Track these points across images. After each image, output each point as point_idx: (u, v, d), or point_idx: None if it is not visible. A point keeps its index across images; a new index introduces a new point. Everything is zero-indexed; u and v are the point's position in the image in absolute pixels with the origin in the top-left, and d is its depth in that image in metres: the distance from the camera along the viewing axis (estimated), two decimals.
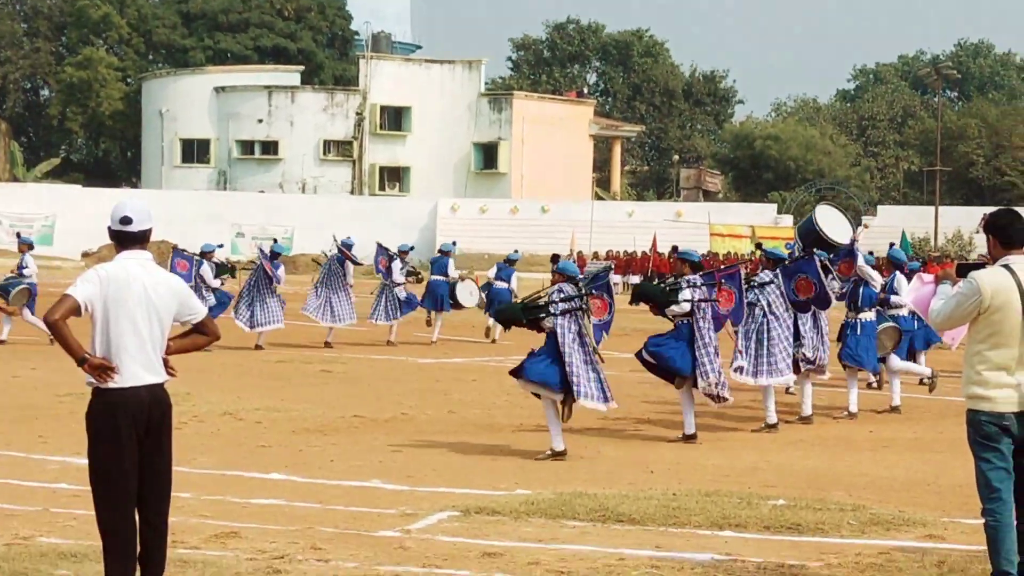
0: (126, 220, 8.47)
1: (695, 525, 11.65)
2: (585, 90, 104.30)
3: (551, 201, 78.41)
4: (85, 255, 68.90)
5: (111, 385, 8.31)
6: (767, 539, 11.23)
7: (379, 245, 31.13)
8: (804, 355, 18.39)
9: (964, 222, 71.84)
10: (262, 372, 23.63)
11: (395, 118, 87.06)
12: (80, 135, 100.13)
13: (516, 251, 36.72)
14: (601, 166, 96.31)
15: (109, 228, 8.50)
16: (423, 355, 27.92)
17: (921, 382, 22.03)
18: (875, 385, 22.39)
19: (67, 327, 8.25)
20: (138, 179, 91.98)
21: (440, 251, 32.02)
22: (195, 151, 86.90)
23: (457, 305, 30.82)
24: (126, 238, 8.51)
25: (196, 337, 8.77)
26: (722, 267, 18.95)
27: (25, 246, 29.35)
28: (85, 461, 8.49)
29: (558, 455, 15.27)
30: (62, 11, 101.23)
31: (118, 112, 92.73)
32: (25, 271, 28.33)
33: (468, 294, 31.01)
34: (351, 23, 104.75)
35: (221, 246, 30.93)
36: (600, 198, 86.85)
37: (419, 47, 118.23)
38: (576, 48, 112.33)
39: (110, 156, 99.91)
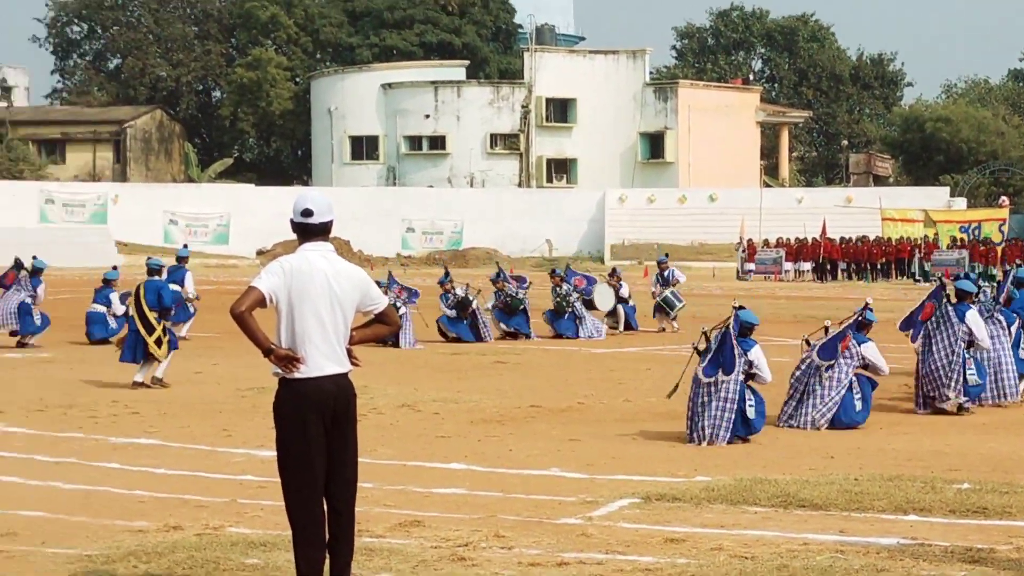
0: (307, 212, 8.59)
1: (878, 510, 11.54)
2: (751, 77, 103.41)
3: (719, 189, 77.91)
4: (260, 253, 69.95)
5: (297, 375, 8.44)
6: (953, 523, 11.09)
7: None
8: None
9: None
10: (438, 365, 23.81)
11: (561, 110, 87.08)
12: (252, 135, 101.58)
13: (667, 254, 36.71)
14: (768, 153, 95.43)
15: (291, 220, 8.62)
16: (597, 345, 27.91)
17: None
18: None
19: (253, 319, 8.39)
20: (309, 177, 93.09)
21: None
22: (364, 148, 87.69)
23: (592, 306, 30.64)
24: (308, 230, 8.63)
25: (378, 327, 8.87)
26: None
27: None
28: (269, 454, 8.64)
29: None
30: (231, 13, 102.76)
31: (288, 111, 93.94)
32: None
33: (604, 298, 30.95)
34: (515, 16, 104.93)
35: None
36: (768, 185, 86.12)
37: (583, 38, 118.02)
38: (741, 35, 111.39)
39: (281, 155, 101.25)
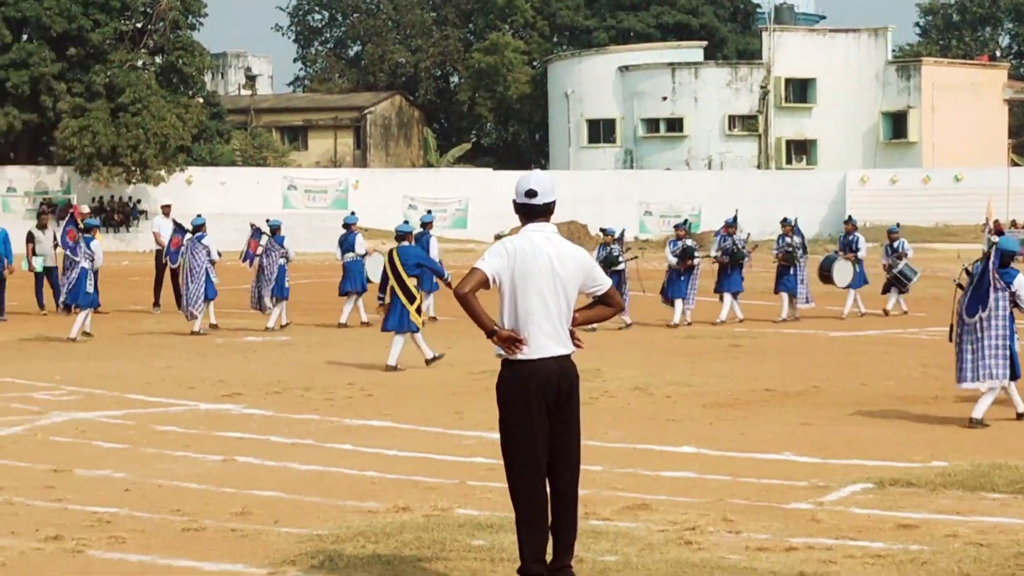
0: (531, 193, 8.56)
1: None
2: (997, 53, 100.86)
3: (964, 169, 76.18)
4: (498, 237, 70.44)
5: (520, 357, 8.41)
6: None
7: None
8: None
9: None
10: (671, 348, 23.67)
11: (800, 90, 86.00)
12: (489, 119, 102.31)
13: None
14: (1017, 131, 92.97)
15: (514, 202, 8.59)
16: (834, 328, 27.47)
17: None
18: None
19: (476, 300, 8.39)
20: (546, 161, 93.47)
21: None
22: (601, 131, 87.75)
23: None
24: (531, 211, 8.60)
25: (601, 308, 8.81)
26: None
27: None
28: (498, 436, 8.63)
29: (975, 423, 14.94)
30: None
31: (525, 95, 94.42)
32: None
33: (843, 274, 29.69)
34: None
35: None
36: (1016, 164, 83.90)
37: (823, 17, 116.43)
38: (987, 10, 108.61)
39: (519, 139, 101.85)
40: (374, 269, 27.43)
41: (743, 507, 10.94)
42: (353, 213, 30.98)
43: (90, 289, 25.66)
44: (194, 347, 24.06)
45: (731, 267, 28.60)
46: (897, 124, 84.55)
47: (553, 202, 8.65)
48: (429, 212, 31.66)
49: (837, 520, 10.48)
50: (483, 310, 8.39)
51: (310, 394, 17.86)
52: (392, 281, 20.83)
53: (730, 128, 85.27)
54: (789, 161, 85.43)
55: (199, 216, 28.37)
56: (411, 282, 20.81)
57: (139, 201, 72.38)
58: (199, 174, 75.51)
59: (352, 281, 28.22)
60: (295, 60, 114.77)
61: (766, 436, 14.46)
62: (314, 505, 11.16)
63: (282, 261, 27.29)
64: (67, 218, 27.17)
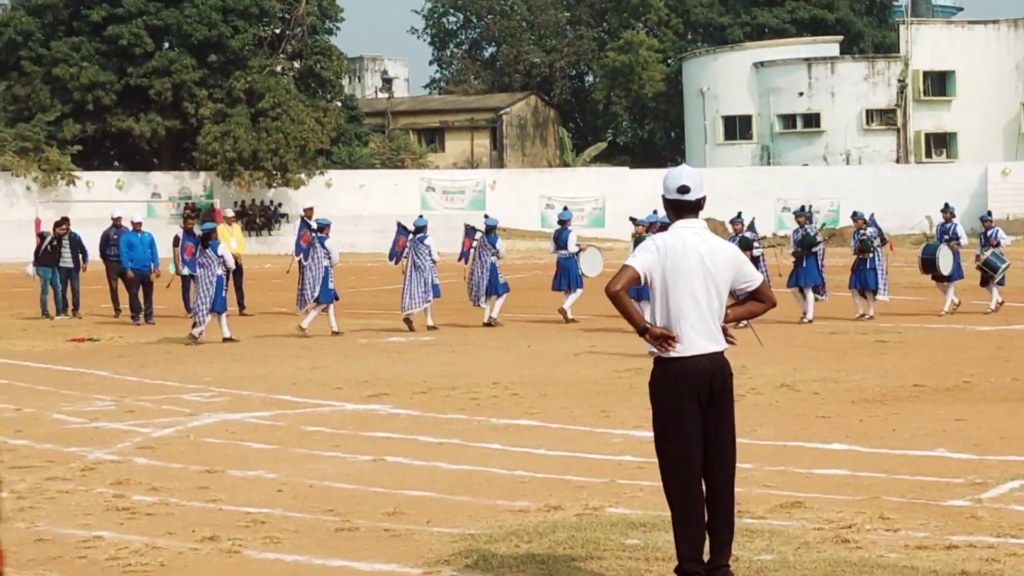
0: (684, 189, 8.48)
1: None
2: None
3: None
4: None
5: (672, 354, 8.35)
6: None
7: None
8: None
9: None
10: (816, 344, 23.42)
11: (939, 83, 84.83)
12: (625, 118, 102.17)
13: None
14: None
15: (663, 198, 8.52)
16: (982, 322, 27.03)
17: None
18: None
19: (628, 298, 8.35)
20: (682, 158, 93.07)
21: None
22: (737, 128, 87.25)
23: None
24: (683, 207, 8.53)
25: (753, 304, 8.72)
26: None
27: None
28: (647, 434, 8.59)
29: None
30: None
31: (660, 93, 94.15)
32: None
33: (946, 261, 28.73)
34: None
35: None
36: None
37: (960, 8, 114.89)
38: None
39: (654, 137, 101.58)
40: (590, 265, 27.77)
41: (899, 504, 10.78)
42: (487, 216, 31.09)
43: (331, 285, 26.60)
44: (338, 348, 24.24)
45: (805, 259, 28.07)
46: None
47: (704, 198, 8.57)
48: (566, 209, 31.59)
49: (997, 517, 10.28)
50: (635, 308, 8.34)
51: (455, 393, 17.90)
52: None
53: (868, 122, 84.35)
54: (928, 155, 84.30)
55: (421, 217, 28.89)
56: None
57: (280, 204, 73.19)
58: (338, 177, 76.16)
59: (562, 279, 28.59)
60: (431, 62, 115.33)
61: (918, 432, 14.25)
62: (465, 504, 11.17)
63: (494, 259, 27.65)
64: (299, 223, 27.87)
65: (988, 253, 29.09)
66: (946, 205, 29.64)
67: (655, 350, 8.43)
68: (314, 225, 27.14)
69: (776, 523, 10.24)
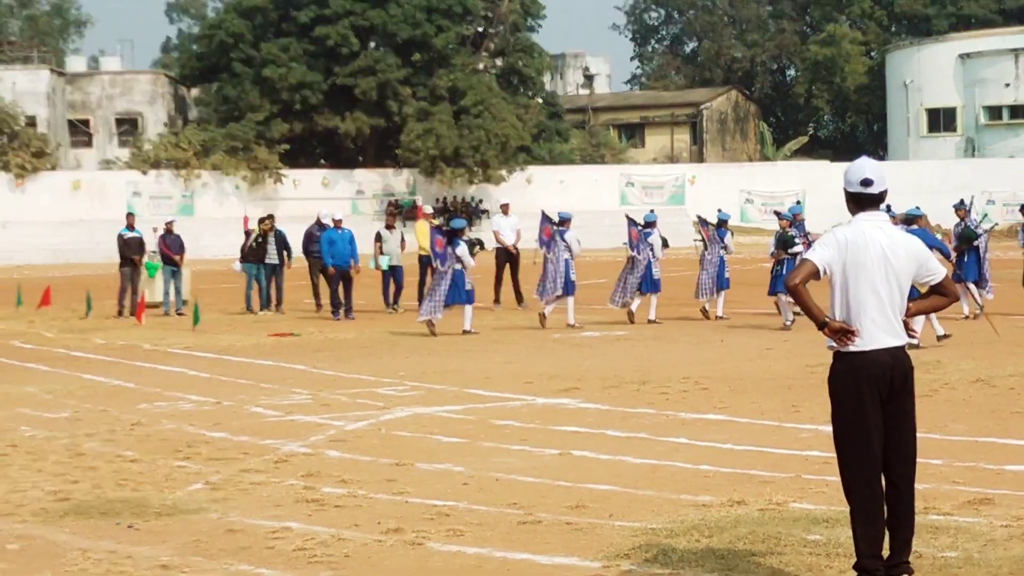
0: (867, 182, 8.41)
1: None
2: None
3: None
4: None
5: (852, 348, 8.29)
6: None
7: None
8: None
9: None
10: (1014, 339, 22.93)
11: None
12: (826, 111, 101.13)
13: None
14: None
15: (845, 190, 8.47)
16: None
17: None
18: None
19: (808, 291, 8.30)
20: (884, 151, 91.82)
21: None
22: (941, 120, 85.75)
23: None
24: (865, 200, 8.45)
25: (936, 298, 8.61)
26: None
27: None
28: (832, 430, 8.53)
29: None
30: None
31: (863, 86, 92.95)
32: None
33: None
34: None
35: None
36: None
37: None
38: None
39: (856, 130, 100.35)
40: None
41: None
42: (649, 213, 30.95)
43: (573, 277, 27.22)
44: (531, 343, 24.40)
45: (966, 253, 27.35)
46: None
47: (886, 191, 8.49)
48: (652, 212, 30.69)
49: None
50: (814, 301, 8.30)
51: (645, 388, 17.92)
52: None
53: None
54: None
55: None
56: None
57: (481, 201, 73.80)
58: (539, 173, 76.54)
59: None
60: (632, 58, 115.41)
61: None
62: (648, 499, 11.19)
63: (566, 255, 27.49)
64: (540, 217, 28.22)
65: None
66: (960, 201, 28.65)
67: (835, 344, 8.38)
68: (555, 219, 27.49)
69: (963, 520, 10.10)
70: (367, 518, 10.72)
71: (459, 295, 26.03)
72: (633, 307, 27.62)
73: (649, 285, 27.66)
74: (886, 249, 8.34)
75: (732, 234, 29.29)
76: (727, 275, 28.41)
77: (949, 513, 10.32)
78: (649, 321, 27.48)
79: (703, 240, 28.64)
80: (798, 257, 25.57)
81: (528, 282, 30.83)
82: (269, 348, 24.52)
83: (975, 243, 27.27)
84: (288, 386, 18.92)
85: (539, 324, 26.86)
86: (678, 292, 32.31)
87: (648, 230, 27.75)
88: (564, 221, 27.49)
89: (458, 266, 26.04)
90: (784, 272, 25.85)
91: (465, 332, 25.94)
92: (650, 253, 27.51)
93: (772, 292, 26.71)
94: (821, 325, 8.32)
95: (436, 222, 27.28)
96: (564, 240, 27.06)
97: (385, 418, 15.87)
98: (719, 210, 29.67)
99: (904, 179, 64.99)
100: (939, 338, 22.18)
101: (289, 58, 74.08)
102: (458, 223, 27.44)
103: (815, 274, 8.32)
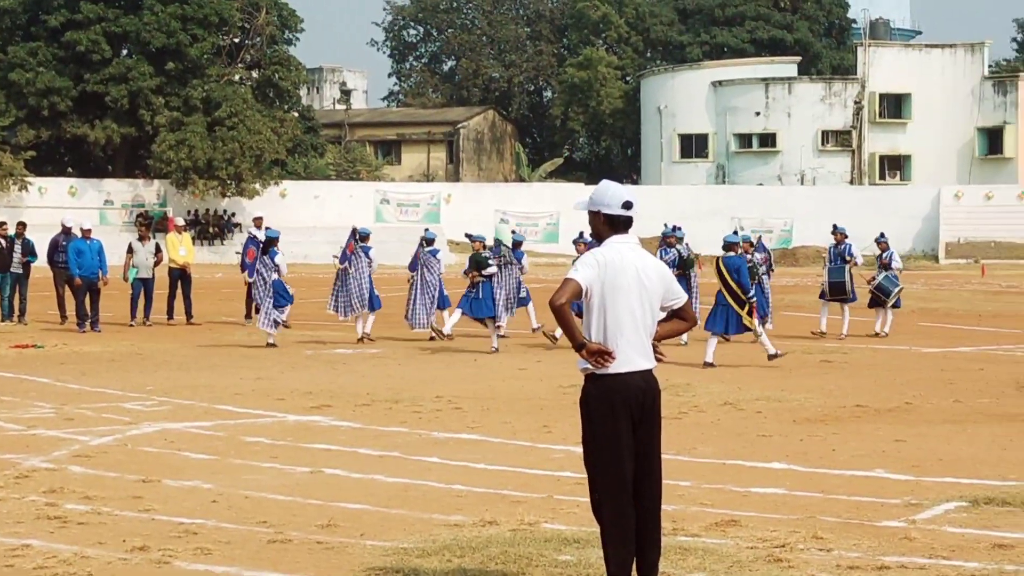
0: (628, 205, 8.45)
1: None
2: None
3: None
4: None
5: (608, 371, 8.31)
6: None
7: None
8: None
9: None
10: (762, 362, 23.43)
11: (895, 105, 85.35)
12: (582, 134, 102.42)
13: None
14: None
15: (601, 213, 8.45)
16: (927, 344, 27.15)
17: None
18: None
19: (571, 312, 8.28)
20: (638, 175, 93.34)
21: None
22: (693, 146, 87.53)
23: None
24: (622, 223, 8.49)
25: (677, 323, 8.69)
26: None
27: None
28: (584, 451, 8.55)
29: None
30: (563, 14, 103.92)
31: (618, 110, 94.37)
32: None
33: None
34: (848, 11, 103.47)
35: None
36: None
37: (919, 32, 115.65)
38: None
39: (611, 154, 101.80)
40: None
41: (834, 524, 10.77)
42: (428, 229, 31.10)
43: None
44: (283, 359, 24.16)
45: (679, 280, 27.90)
46: (993, 140, 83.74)
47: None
48: (515, 231, 31.36)
49: (930, 539, 10.29)
50: (576, 323, 8.30)
51: (398, 406, 17.84)
52: (721, 286, 23.20)
53: (823, 143, 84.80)
54: (883, 177, 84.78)
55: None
56: (738, 288, 23.04)
57: (234, 214, 73.01)
58: (293, 188, 76.08)
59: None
60: (390, 75, 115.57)
61: (858, 452, 14.27)
62: (400, 518, 11.11)
63: (368, 271, 27.53)
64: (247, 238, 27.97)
65: (882, 276, 29.16)
66: (834, 227, 29.59)
67: (588, 366, 8.38)
68: (261, 236, 27.27)
69: (710, 541, 10.21)
70: (112, 535, 10.44)
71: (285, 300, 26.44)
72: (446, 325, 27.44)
73: (372, 304, 27.57)
74: (640, 272, 8.40)
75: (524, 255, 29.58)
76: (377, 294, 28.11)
77: (697, 534, 10.43)
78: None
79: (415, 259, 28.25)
80: (495, 278, 26.27)
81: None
82: (11, 360, 23.83)
83: (690, 271, 27.59)
84: (30, 399, 18.40)
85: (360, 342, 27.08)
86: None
87: (364, 244, 27.74)
88: (517, 244, 28.46)
89: (275, 275, 26.02)
90: (479, 295, 26.44)
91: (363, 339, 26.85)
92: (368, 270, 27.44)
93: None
94: (579, 346, 8.31)
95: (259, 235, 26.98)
96: (368, 256, 27.17)
97: (131, 433, 15.51)
98: (513, 232, 29.80)
99: (656, 203, 66.10)
100: (771, 357, 22.73)
101: (37, 63, 72.36)
102: (272, 233, 27.27)
103: (579, 294, 8.32)
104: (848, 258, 28.70)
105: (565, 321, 8.25)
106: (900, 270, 30.01)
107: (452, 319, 27.09)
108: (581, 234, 27.75)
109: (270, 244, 26.67)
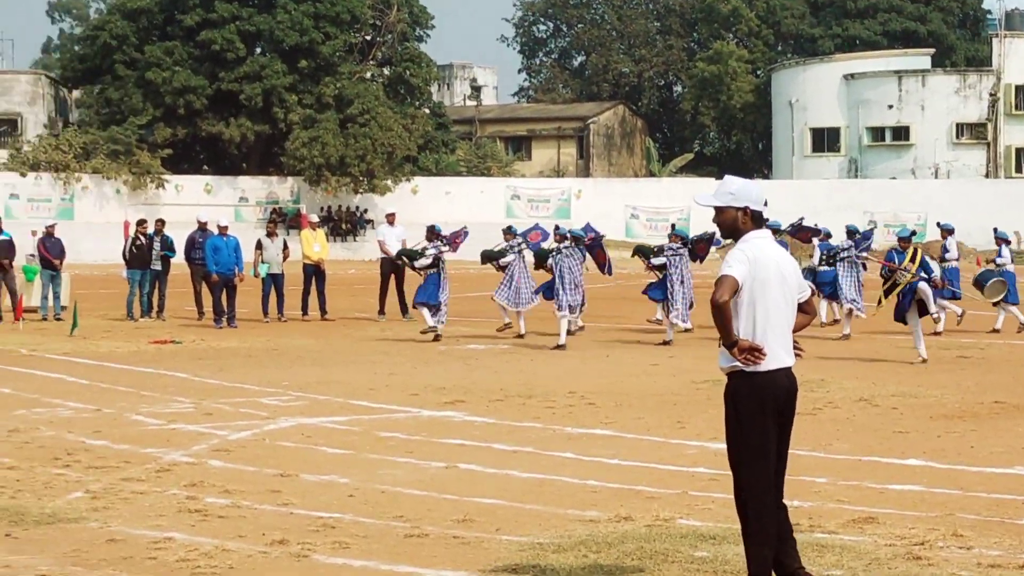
0: (766, 201, 8.42)
1: None
2: None
3: None
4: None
5: (758, 368, 8.20)
6: None
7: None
8: None
9: None
10: (896, 358, 23.17)
11: None
12: (712, 129, 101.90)
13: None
14: None
15: (748, 208, 8.36)
16: None
17: None
18: None
19: (731, 309, 8.17)
20: (769, 170, 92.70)
21: None
22: (825, 140, 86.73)
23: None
24: (761, 218, 8.45)
25: (801, 316, 8.59)
26: None
27: (946, 232, 30.13)
28: (722, 446, 8.50)
29: None
30: (693, 8, 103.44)
31: (749, 104, 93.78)
32: (948, 255, 29.17)
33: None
34: (983, 2, 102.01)
35: None
36: None
37: None
38: None
39: (742, 148, 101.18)
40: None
41: (974, 522, 10.64)
42: (535, 225, 31.17)
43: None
44: (417, 354, 24.30)
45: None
46: None
47: None
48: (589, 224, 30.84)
49: None
50: (732, 321, 8.20)
51: (532, 402, 17.88)
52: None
53: (958, 136, 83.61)
54: (1019, 170, 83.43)
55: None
56: None
57: (366, 211, 73.54)
58: (424, 184, 76.43)
59: None
60: (520, 71, 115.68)
61: (996, 449, 14.08)
62: (535, 513, 11.13)
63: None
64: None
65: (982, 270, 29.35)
66: (938, 224, 29.34)
67: (736, 363, 8.23)
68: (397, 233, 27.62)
69: (848, 538, 10.13)
70: (251, 529, 10.57)
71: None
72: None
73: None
74: (780, 266, 8.35)
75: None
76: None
77: (834, 531, 10.35)
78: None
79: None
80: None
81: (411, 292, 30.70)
82: (150, 355, 24.20)
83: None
84: (170, 394, 18.68)
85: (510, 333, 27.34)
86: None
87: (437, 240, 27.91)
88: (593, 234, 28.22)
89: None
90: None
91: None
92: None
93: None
94: (731, 344, 8.17)
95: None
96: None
97: (269, 428, 15.70)
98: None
99: (788, 198, 65.60)
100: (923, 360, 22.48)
101: (173, 62, 73.38)
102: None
103: (736, 290, 8.21)
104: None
105: (725, 318, 8.12)
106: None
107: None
108: (557, 227, 27.89)
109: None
